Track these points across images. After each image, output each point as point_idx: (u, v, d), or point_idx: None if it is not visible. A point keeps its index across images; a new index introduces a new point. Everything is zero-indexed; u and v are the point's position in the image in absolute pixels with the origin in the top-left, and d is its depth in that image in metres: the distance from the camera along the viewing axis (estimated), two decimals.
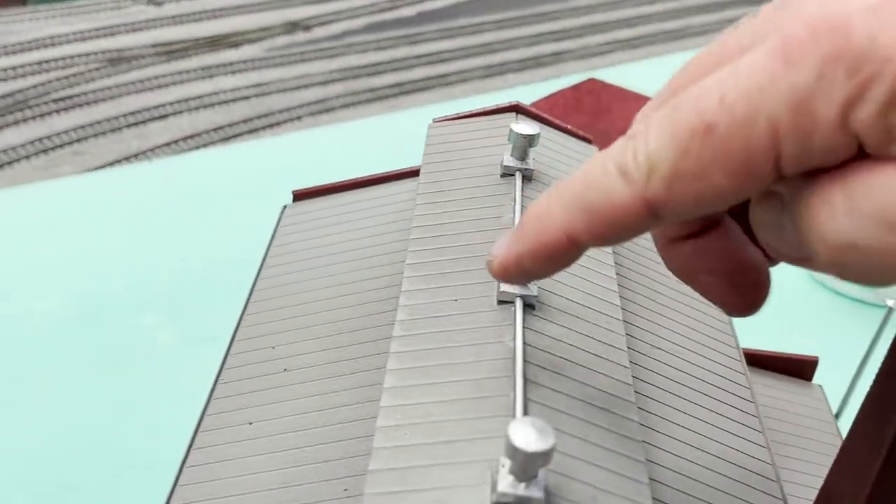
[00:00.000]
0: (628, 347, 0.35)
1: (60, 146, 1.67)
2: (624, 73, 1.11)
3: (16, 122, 1.75)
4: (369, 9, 2.41)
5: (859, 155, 0.20)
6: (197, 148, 1.67)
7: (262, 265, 0.44)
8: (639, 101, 0.94)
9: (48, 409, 0.61)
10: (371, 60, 2.13)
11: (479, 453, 0.25)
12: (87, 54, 2.00)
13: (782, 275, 0.82)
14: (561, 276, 0.33)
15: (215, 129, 1.74)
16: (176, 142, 1.69)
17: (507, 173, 0.39)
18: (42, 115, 1.76)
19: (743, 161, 0.20)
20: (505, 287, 0.31)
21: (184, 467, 0.33)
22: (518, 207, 0.36)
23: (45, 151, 1.66)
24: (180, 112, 1.80)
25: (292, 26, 2.30)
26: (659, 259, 0.43)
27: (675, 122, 0.21)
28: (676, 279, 0.40)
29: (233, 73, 2.00)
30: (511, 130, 0.38)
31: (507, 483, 0.23)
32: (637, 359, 0.35)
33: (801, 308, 0.76)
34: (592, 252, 0.36)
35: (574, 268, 0.34)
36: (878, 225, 0.19)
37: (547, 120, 0.45)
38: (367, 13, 2.39)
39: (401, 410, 0.27)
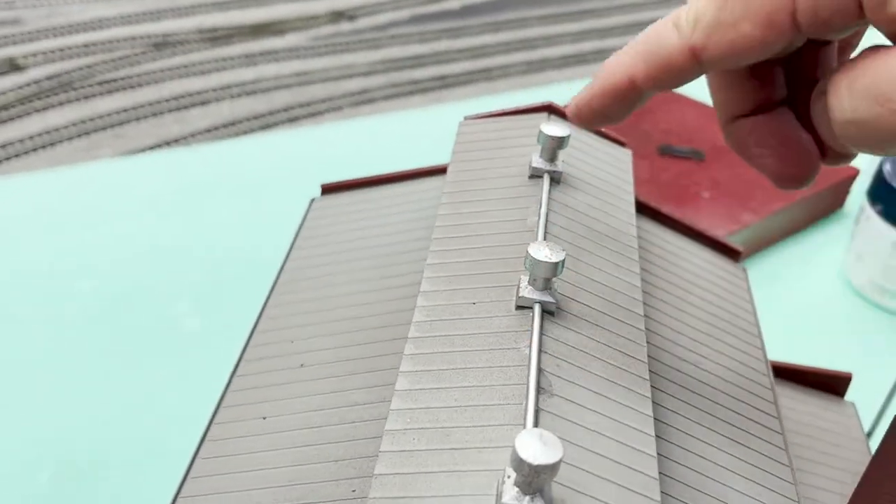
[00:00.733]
0: (650, 357, 0.35)
1: (102, 129, 1.69)
2: None
3: (59, 104, 1.77)
4: (414, 0, 2.41)
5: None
6: (236, 135, 1.67)
7: (286, 258, 0.44)
8: (682, 103, 0.93)
9: (75, 390, 0.61)
10: (414, 52, 2.13)
11: (486, 462, 0.24)
12: (132, 38, 2.02)
13: (823, 288, 0.80)
14: (583, 282, 0.33)
15: (255, 117, 1.75)
16: (216, 128, 1.70)
17: (536, 175, 0.38)
18: (85, 98, 1.78)
19: (766, 12, 0.25)
20: (524, 292, 0.30)
21: (196, 459, 0.33)
22: (544, 210, 0.35)
23: (86, 133, 1.68)
24: (221, 99, 1.81)
25: (337, 16, 2.30)
26: (686, 267, 0.43)
27: None
28: (703, 288, 0.39)
29: (276, 60, 2.00)
30: (541, 131, 0.38)
31: (511, 495, 0.23)
32: (659, 369, 0.35)
33: (840, 322, 0.75)
34: (616, 259, 0.35)
35: (597, 274, 0.34)
36: (868, 98, 0.23)
37: None
38: (411, 4, 2.39)
39: (410, 414, 0.26)
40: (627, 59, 0.29)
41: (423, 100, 1.90)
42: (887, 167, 0.73)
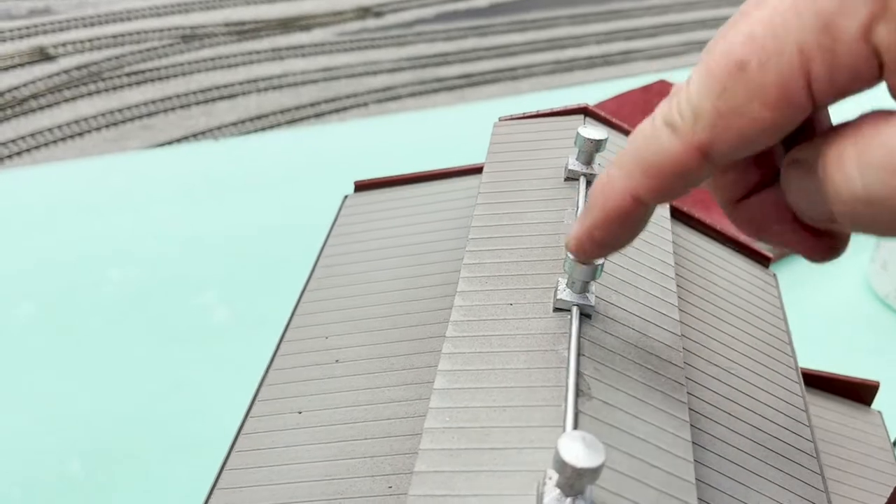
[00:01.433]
0: (684, 363, 0.35)
1: (130, 119, 1.70)
2: None
3: (89, 94, 1.79)
4: None
5: (872, 114, 0.21)
6: (263, 129, 1.68)
7: (320, 254, 0.44)
8: None
9: (105, 378, 0.62)
10: (440, 50, 2.13)
11: (526, 463, 0.25)
12: (161, 30, 2.03)
13: (847, 296, 0.80)
14: (620, 286, 0.33)
15: (282, 112, 1.76)
16: (243, 122, 1.71)
17: (572, 177, 0.38)
18: (115, 88, 1.79)
19: (778, 90, 0.21)
20: (562, 294, 0.30)
21: (232, 451, 0.33)
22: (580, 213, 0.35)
23: (115, 124, 1.69)
24: (248, 92, 1.82)
25: (364, 12, 2.31)
26: (718, 273, 0.43)
27: (710, 68, 0.22)
28: (735, 294, 0.39)
29: (303, 56, 2.01)
30: (578, 134, 0.38)
31: (553, 497, 0.23)
32: (692, 375, 0.35)
33: (864, 331, 0.74)
34: (653, 263, 0.35)
35: (634, 278, 0.34)
36: (886, 172, 0.20)
37: (615, 124, 0.45)
38: (438, 2, 2.39)
39: (449, 413, 0.27)
40: (622, 176, 0.25)
41: (449, 98, 1.90)
42: None
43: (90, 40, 1.99)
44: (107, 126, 1.69)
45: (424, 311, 0.36)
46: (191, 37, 1.99)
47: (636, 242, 0.36)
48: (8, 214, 0.78)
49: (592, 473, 0.22)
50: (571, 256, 0.29)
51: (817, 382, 0.51)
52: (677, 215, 0.45)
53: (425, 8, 2.37)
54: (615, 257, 0.34)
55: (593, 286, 0.31)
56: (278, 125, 1.70)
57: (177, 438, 0.57)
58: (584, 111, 0.44)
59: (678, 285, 0.39)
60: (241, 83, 1.82)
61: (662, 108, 0.24)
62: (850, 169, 0.21)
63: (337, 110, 1.79)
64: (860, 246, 0.81)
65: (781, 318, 0.43)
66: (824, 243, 0.27)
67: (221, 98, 1.79)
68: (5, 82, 1.82)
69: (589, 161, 0.38)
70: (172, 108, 1.75)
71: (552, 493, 0.23)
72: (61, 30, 2.04)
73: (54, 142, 1.64)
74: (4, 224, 0.77)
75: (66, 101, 1.76)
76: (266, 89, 1.82)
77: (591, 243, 0.27)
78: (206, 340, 0.66)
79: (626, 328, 0.31)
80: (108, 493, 0.54)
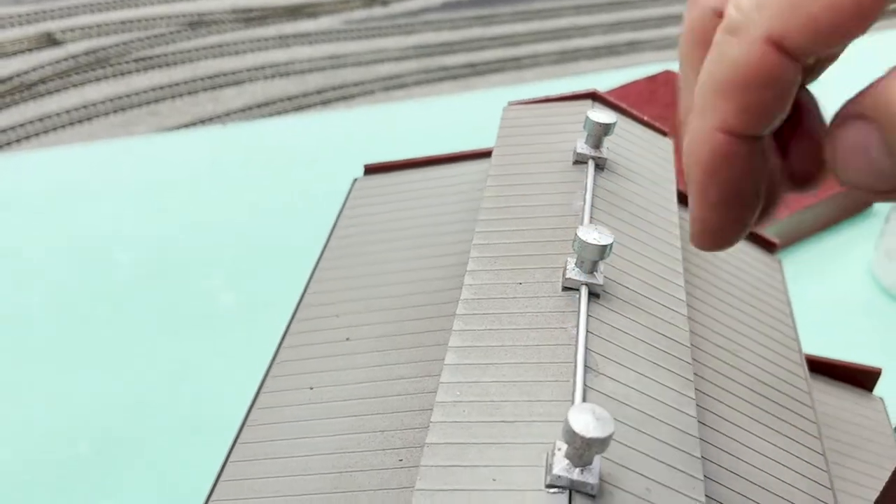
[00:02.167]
0: (691, 344, 0.35)
1: (138, 105, 1.71)
2: None
3: (97, 79, 1.79)
4: None
5: None
6: (270, 116, 1.69)
7: (330, 234, 0.44)
8: None
9: (115, 361, 0.62)
10: (445, 39, 2.13)
11: (536, 435, 0.25)
12: (169, 16, 2.03)
13: (851, 285, 0.80)
14: (628, 266, 0.33)
15: (289, 99, 1.76)
16: (249, 108, 1.71)
17: (580, 161, 0.39)
18: (122, 74, 1.80)
19: None
20: (571, 274, 0.31)
21: (245, 425, 0.33)
22: (589, 196, 0.36)
23: (122, 109, 1.70)
24: (255, 79, 1.82)
25: (371, 0, 2.31)
26: (724, 258, 0.43)
27: None
28: (741, 279, 0.39)
29: (309, 43, 2.01)
30: (587, 118, 0.38)
31: (562, 466, 0.23)
32: (698, 356, 0.35)
33: (867, 319, 0.75)
34: (660, 246, 0.36)
35: (641, 259, 0.34)
36: None
37: (623, 109, 0.45)
38: None
39: (460, 387, 0.27)
40: (705, 117, 0.22)
41: (454, 86, 1.91)
42: None
43: (97, 26, 1.99)
44: (114, 111, 1.70)
45: (434, 290, 0.37)
46: (198, 23, 1.99)
47: (643, 224, 0.36)
48: (16, 198, 0.78)
49: (601, 443, 0.23)
50: (581, 236, 0.30)
51: (820, 368, 0.52)
52: (686, 200, 0.45)
53: None
54: (623, 239, 0.35)
55: (601, 266, 0.31)
56: (284, 112, 1.71)
57: (185, 420, 0.58)
58: (593, 96, 0.45)
59: (685, 269, 0.39)
60: (247, 70, 1.82)
61: (720, 23, 0.21)
62: None
63: (343, 98, 1.79)
64: (865, 235, 0.81)
65: (786, 303, 0.44)
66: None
67: (228, 85, 1.80)
68: (13, 67, 1.82)
69: (597, 145, 0.39)
70: (180, 95, 1.75)
71: (561, 462, 0.23)
72: (69, 15, 2.04)
73: (62, 126, 1.64)
74: (13, 208, 0.77)
75: (74, 86, 1.76)
76: (272, 76, 1.83)
77: (723, 226, 0.23)
78: (212, 324, 0.66)
79: (635, 308, 0.31)
80: (118, 474, 0.54)
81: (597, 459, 0.24)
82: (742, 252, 0.45)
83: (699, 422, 0.31)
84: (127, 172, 0.83)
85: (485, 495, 0.23)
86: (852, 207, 0.84)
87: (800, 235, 0.80)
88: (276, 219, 0.77)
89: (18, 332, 0.64)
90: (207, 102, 1.73)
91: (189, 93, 1.75)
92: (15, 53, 1.87)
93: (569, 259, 0.32)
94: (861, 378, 0.52)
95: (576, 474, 0.23)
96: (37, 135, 1.62)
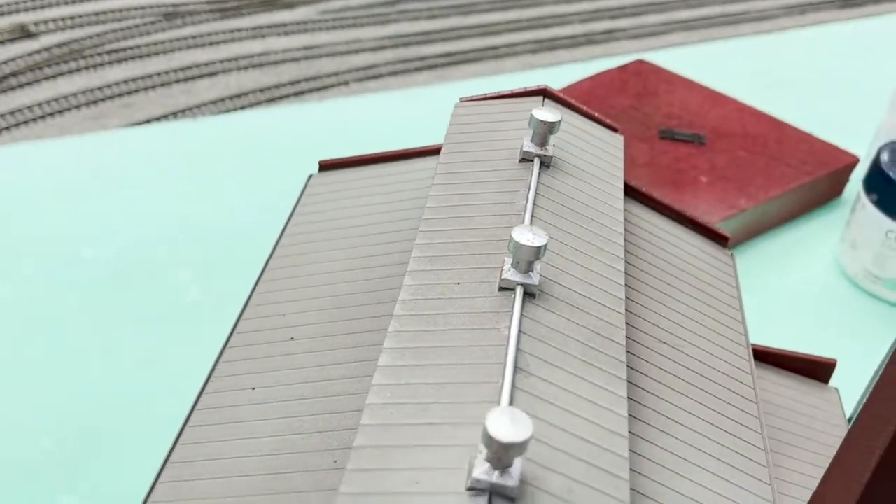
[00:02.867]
0: (632, 340, 0.36)
1: (111, 97, 1.70)
2: (677, 57, 1.10)
3: (69, 72, 1.78)
4: None
5: None
6: (243, 108, 1.68)
7: (281, 234, 0.44)
8: (686, 86, 0.93)
9: (80, 357, 0.62)
10: (422, 28, 2.12)
11: (461, 438, 0.25)
12: (143, 7, 2.02)
13: (818, 275, 0.81)
14: (567, 265, 0.34)
15: (262, 90, 1.76)
16: (222, 100, 1.71)
17: (526, 158, 0.39)
18: (95, 66, 1.79)
19: None
20: (507, 274, 0.31)
21: (185, 426, 0.34)
22: (531, 195, 0.36)
23: (95, 102, 1.69)
24: (229, 70, 1.82)
25: None
26: (673, 252, 0.43)
27: None
28: (689, 273, 0.40)
29: (285, 34, 2.00)
30: (532, 116, 0.38)
31: (482, 470, 0.23)
32: (640, 352, 0.35)
33: (833, 309, 0.75)
34: (601, 243, 0.36)
35: (581, 258, 0.34)
36: None
37: (574, 106, 0.45)
38: None
39: (391, 389, 0.27)
40: None
41: (430, 76, 1.90)
42: (884, 156, 0.73)
43: (71, 18, 1.98)
44: (87, 104, 1.69)
45: (377, 290, 0.37)
46: (173, 14, 1.98)
47: (586, 222, 0.37)
48: None
49: (519, 448, 0.23)
50: (515, 237, 0.30)
51: (777, 360, 0.52)
52: (634, 195, 0.46)
53: None
54: (564, 237, 0.35)
55: (538, 266, 0.32)
56: (258, 103, 1.70)
57: (151, 415, 0.58)
58: (544, 92, 0.45)
59: (630, 264, 0.40)
60: (222, 61, 1.81)
61: None
62: None
63: (318, 89, 1.78)
64: (828, 225, 0.82)
65: (735, 297, 0.44)
66: None
67: (202, 76, 1.79)
68: None
69: (543, 142, 0.39)
70: (153, 87, 1.74)
71: (482, 466, 0.24)
72: (42, 7, 2.02)
73: (34, 119, 1.63)
74: None
75: (47, 78, 1.75)
76: (247, 67, 1.82)
77: None
78: (179, 319, 0.66)
79: (571, 307, 0.32)
80: (80, 470, 0.54)
81: (518, 461, 0.24)
82: (692, 246, 0.45)
83: (635, 418, 0.32)
84: (98, 167, 0.82)
85: (406, 498, 0.23)
86: (818, 198, 0.85)
87: (766, 226, 0.81)
88: (244, 212, 0.77)
89: None
90: (181, 94, 1.72)
91: (162, 84, 1.74)
92: None
93: (506, 259, 0.32)
94: (816, 369, 0.52)
95: (495, 477, 0.23)
96: (8, 128, 1.61)
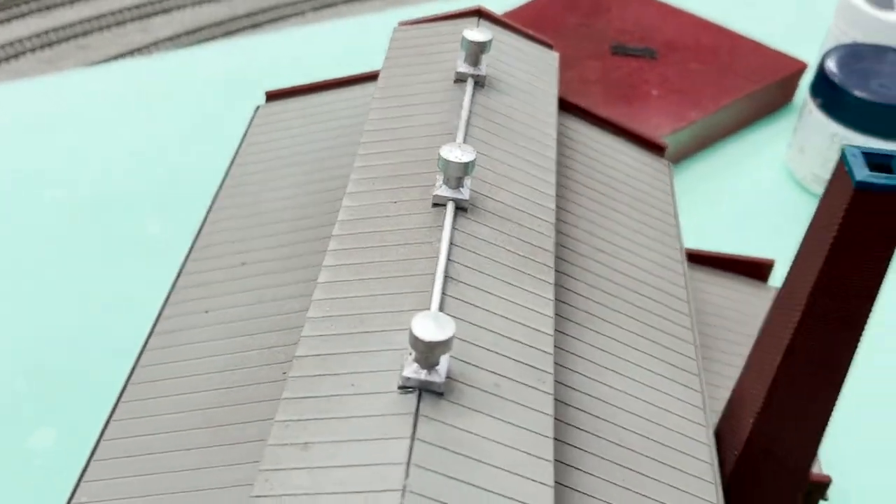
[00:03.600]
0: (565, 247, 0.37)
1: (66, 39, 1.68)
2: None
3: (22, 15, 1.75)
4: None
5: None
6: (199, 42, 1.67)
7: (230, 164, 0.46)
8: (639, 1, 0.94)
9: (48, 296, 0.63)
10: None
11: (394, 343, 0.27)
12: None
13: (768, 181, 0.83)
14: (499, 180, 0.35)
15: (217, 24, 1.74)
16: (178, 36, 1.69)
17: (460, 79, 0.40)
18: (48, 8, 1.76)
19: None
20: (438, 191, 0.33)
21: (144, 350, 0.35)
22: (465, 114, 0.37)
23: (49, 45, 1.67)
24: (183, 6, 1.79)
25: None
26: (610, 164, 0.45)
27: None
28: (625, 183, 0.41)
29: None
30: (463, 37, 0.39)
31: (411, 370, 0.25)
32: (574, 259, 0.37)
33: (782, 213, 0.77)
34: (532, 157, 0.38)
35: (513, 172, 0.36)
36: None
37: (509, 25, 0.46)
38: None
39: (330, 303, 0.29)
40: None
41: (384, 2, 1.89)
42: (829, 62, 0.75)
43: None
44: (41, 47, 1.66)
45: (322, 213, 0.39)
46: None
47: (518, 139, 0.38)
48: None
49: (443, 346, 0.25)
50: (443, 154, 0.32)
51: (718, 263, 0.54)
52: (574, 110, 0.47)
53: None
54: (497, 153, 0.37)
55: (468, 181, 0.33)
56: (214, 38, 1.69)
57: (119, 347, 0.59)
58: (478, 13, 0.46)
59: (566, 177, 0.41)
60: None
61: None
62: None
63: (274, 20, 1.77)
64: (779, 132, 0.84)
65: (671, 204, 0.46)
66: None
67: (156, 13, 1.76)
68: None
69: (476, 63, 0.40)
70: (108, 26, 1.72)
71: (411, 367, 0.25)
72: None
73: None
74: None
75: (0, 22, 1.73)
76: (201, 2, 1.80)
77: None
78: (142, 253, 0.67)
79: (501, 219, 0.33)
80: (55, 408, 0.56)
81: (444, 360, 0.26)
82: (630, 157, 0.47)
83: (568, 320, 0.34)
84: (56, 108, 0.83)
85: (342, 399, 0.25)
86: (768, 106, 0.86)
87: (717, 136, 0.82)
88: (202, 147, 0.78)
89: None
90: (136, 33, 1.70)
91: (117, 24, 1.72)
92: None
93: (437, 177, 0.33)
94: (755, 270, 0.54)
95: (423, 375, 0.25)
96: None
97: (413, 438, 0.24)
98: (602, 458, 0.30)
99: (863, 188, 0.27)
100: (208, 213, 0.43)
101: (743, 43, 0.89)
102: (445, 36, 0.44)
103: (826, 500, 0.42)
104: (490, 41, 0.39)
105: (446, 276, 0.29)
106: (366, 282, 0.30)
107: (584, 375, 0.33)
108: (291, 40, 1.01)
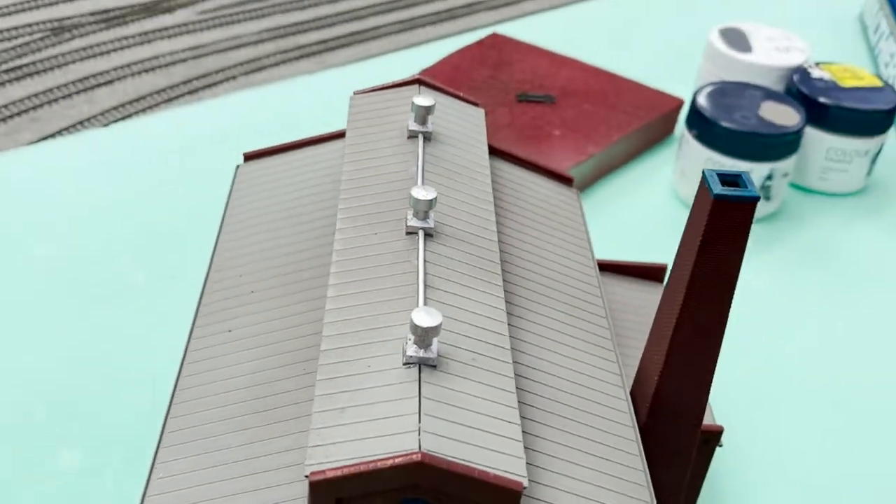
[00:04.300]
0: (505, 261, 0.46)
1: (18, 114, 1.71)
2: (528, 26, 1.19)
3: None
4: None
5: None
6: (143, 110, 1.72)
7: (224, 213, 0.52)
8: (535, 53, 1.03)
9: (53, 338, 0.67)
10: (297, 19, 2.17)
11: (396, 335, 0.35)
12: (31, 24, 2.01)
13: (657, 201, 0.93)
14: (453, 212, 0.43)
15: (158, 92, 1.79)
16: (123, 105, 1.74)
17: (413, 135, 0.48)
18: (1, 84, 1.79)
19: None
20: (411, 222, 0.41)
21: (184, 363, 0.42)
22: (420, 163, 0.45)
23: (3, 120, 1.70)
24: (124, 77, 1.84)
25: None
26: (532, 194, 0.53)
27: None
28: (545, 209, 0.49)
29: (169, 37, 2.03)
30: (412, 102, 0.48)
31: (413, 350, 0.33)
32: (514, 270, 0.46)
33: (671, 228, 0.86)
34: (476, 192, 0.46)
35: (462, 205, 0.44)
36: None
37: (443, 89, 0.54)
38: None
39: (340, 311, 0.37)
40: None
41: (310, 64, 1.97)
42: (700, 99, 0.85)
43: None
44: None
45: (317, 247, 0.46)
46: (60, 29, 1.98)
47: (463, 179, 0.46)
48: None
49: (435, 330, 0.33)
50: (413, 194, 0.40)
51: (621, 269, 0.63)
52: (499, 154, 0.56)
53: None
54: (448, 192, 0.45)
55: (432, 214, 0.41)
56: (156, 105, 1.74)
57: (119, 377, 0.64)
58: (419, 82, 0.54)
59: (499, 206, 0.50)
60: (115, 69, 1.84)
61: None
62: None
63: (209, 85, 1.83)
64: (664, 159, 0.94)
65: (582, 223, 0.54)
66: None
67: (99, 85, 1.81)
68: None
69: (423, 122, 0.48)
70: (55, 99, 1.76)
71: (412, 348, 0.33)
72: None
73: None
74: None
75: None
76: (140, 72, 1.85)
77: None
78: (129, 297, 0.72)
79: (459, 241, 0.41)
80: (84, 426, 0.60)
81: (435, 342, 0.34)
82: (545, 188, 0.55)
83: (511, 315, 0.42)
84: (15, 182, 0.85)
85: (363, 376, 0.33)
86: (653, 137, 0.96)
87: (613, 166, 0.91)
88: (170, 205, 0.83)
89: None
90: (83, 104, 1.75)
91: (64, 97, 1.76)
92: None
93: (408, 212, 0.41)
94: (652, 273, 0.63)
95: (421, 353, 0.33)
96: None
97: (420, 397, 0.32)
98: (545, 410, 0.38)
99: (719, 199, 0.36)
100: (213, 257, 0.49)
101: (626, 85, 0.98)
102: (395, 101, 0.52)
103: (721, 446, 0.51)
104: (434, 105, 0.48)
105: (426, 285, 0.37)
106: (365, 293, 0.37)
107: (529, 353, 0.41)
108: (226, 106, 1.05)
